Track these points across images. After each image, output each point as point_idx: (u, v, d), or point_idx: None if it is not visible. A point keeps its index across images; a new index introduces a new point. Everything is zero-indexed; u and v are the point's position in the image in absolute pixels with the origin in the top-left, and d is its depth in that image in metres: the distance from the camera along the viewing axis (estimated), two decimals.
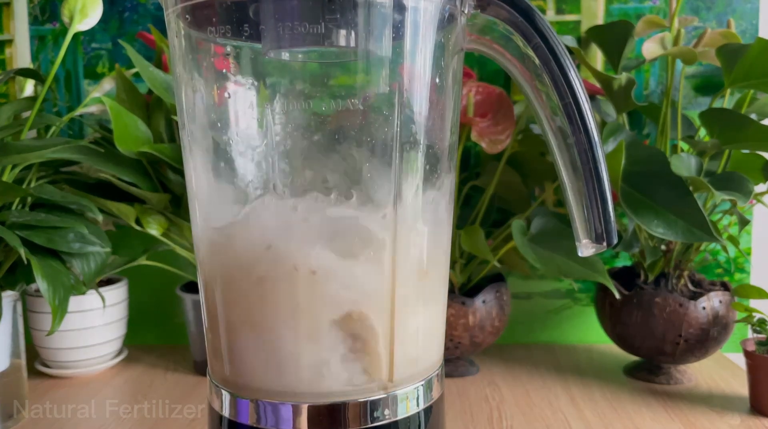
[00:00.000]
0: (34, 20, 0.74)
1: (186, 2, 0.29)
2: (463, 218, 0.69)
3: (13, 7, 0.74)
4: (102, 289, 0.64)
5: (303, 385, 0.30)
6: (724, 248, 0.63)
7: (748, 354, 0.55)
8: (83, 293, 0.59)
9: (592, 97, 0.66)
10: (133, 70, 0.66)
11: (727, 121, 0.55)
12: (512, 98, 0.71)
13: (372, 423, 0.30)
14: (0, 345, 0.53)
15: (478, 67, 0.73)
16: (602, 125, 0.61)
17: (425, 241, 0.31)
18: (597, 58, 0.73)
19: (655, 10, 0.72)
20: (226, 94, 0.30)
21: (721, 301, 0.59)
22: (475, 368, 0.66)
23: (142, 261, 0.67)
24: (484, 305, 0.62)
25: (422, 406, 0.32)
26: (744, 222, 0.58)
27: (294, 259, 0.29)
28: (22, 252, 0.48)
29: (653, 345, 0.60)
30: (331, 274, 0.29)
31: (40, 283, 0.50)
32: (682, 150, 0.64)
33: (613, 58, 0.66)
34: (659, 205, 0.53)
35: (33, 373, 0.65)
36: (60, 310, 0.51)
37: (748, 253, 0.73)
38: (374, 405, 0.30)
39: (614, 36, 0.64)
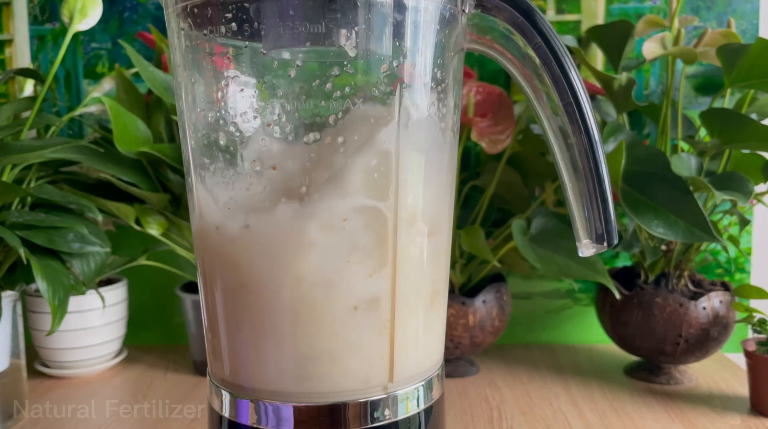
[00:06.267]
0: (34, 20, 0.74)
1: (186, 1, 0.29)
2: (463, 218, 0.69)
3: (13, 7, 0.74)
4: (102, 289, 0.63)
5: (303, 386, 0.30)
6: (725, 248, 0.63)
7: (748, 354, 0.55)
8: (83, 293, 0.59)
9: (592, 96, 0.66)
10: (133, 70, 0.66)
11: (728, 121, 0.55)
12: (512, 98, 0.71)
13: (372, 423, 0.30)
14: (0, 345, 0.53)
15: (478, 67, 0.73)
16: (602, 125, 0.61)
17: (425, 240, 0.31)
18: (597, 57, 0.73)
19: (655, 10, 0.72)
20: (226, 94, 0.30)
21: (721, 301, 0.59)
22: (475, 368, 0.66)
23: (142, 261, 0.67)
24: (484, 305, 0.62)
25: (422, 406, 0.32)
26: (744, 222, 0.58)
27: (294, 261, 0.29)
28: (22, 252, 0.48)
29: (653, 345, 0.60)
30: (330, 275, 0.29)
31: (40, 283, 0.50)
32: (683, 150, 0.64)
33: (614, 58, 0.66)
34: (659, 205, 0.53)
35: (33, 373, 0.65)
36: (60, 310, 0.51)
37: (749, 253, 0.73)
38: (374, 405, 0.30)
39: (614, 36, 0.64)
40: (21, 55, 0.75)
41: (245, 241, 0.30)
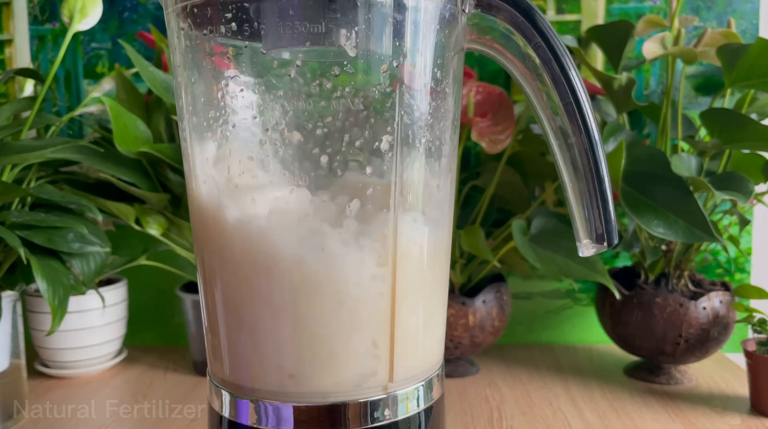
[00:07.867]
0: (33, 20, 0.74)
1: (186, 1, 0.29)
2: (463, 218, 0.69)
3: (13, 7, 0.74)
4: (102, 289, 0.63)
5: (303, 386, 0.30)
6: (725, 248, 0.63)
7: (748, 354, 0.55)
8: (83, 293, 0.59)
9: (592, 96, 0.66)
10: (133, 70, 0.66)
11: (728, 121, 0.55)
12: (512, 98, 0.71)
13: (372, 423, 0.30)
14: (0, 345, 0.53)
15: (478, 67, 0.73)
16: (603, 125, 0.61)
17: (425, 240, 0.31)
18: (597, 57, 0.73)
19: (655, 10, 0.72)
20: (226, 94, 0.30)
21: (721, 301, 0.59)
22: (475, 368, 0.66)
23: (142, 261, 0.67)
24: (484, 305, 0.62)
25: (422, 406, 0.32)
26: (744, 222, 0.58)
27: (293, 261, 0.29)
28: (22, 252, 0.48)
29: (653, 345, 0.60)
30: (330, 275, 0.29)
31: (40, 283, 0.50)
32: (683, 150, 0.64)
33: (614, 58, 0.65)
34: (659, 205, 0.53)
35: (33, 373, 0.65)
36: (60, 310, 0.51)
37: (749, 253, 0.73)
38: (374, 405, 0.30)
39: (614, 36, 0.64)
40: (21, 55, 0.75)
41: (245, 241, 0.30)
